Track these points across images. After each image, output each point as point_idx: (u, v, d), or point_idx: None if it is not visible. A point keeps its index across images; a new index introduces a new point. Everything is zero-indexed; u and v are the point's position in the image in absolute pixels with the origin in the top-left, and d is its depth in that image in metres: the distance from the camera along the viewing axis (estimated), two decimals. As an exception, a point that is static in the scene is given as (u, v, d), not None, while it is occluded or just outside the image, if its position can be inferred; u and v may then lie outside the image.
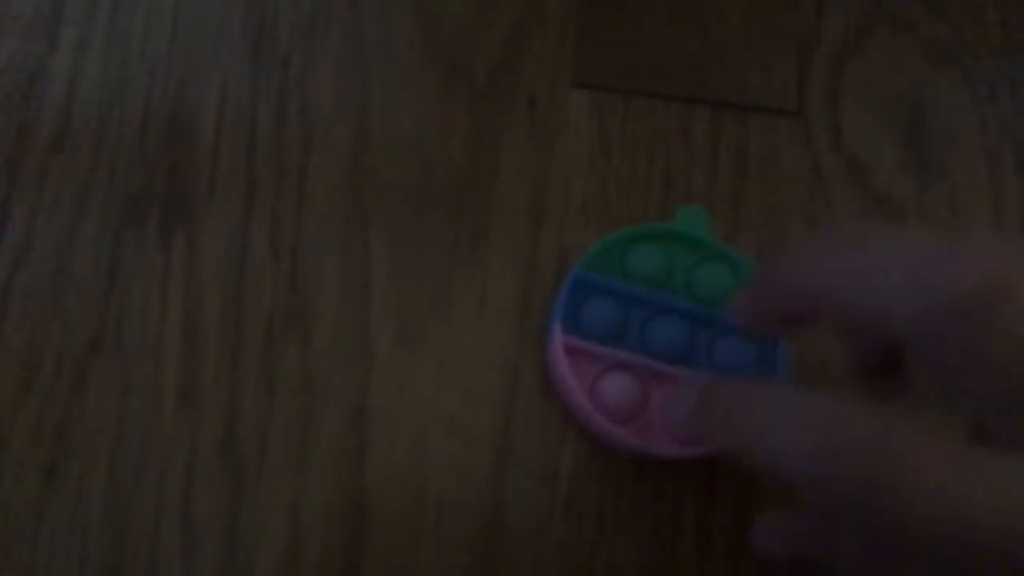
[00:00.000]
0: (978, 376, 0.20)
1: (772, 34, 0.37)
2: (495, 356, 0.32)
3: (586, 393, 0.31)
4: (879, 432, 0.19)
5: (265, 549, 0.29)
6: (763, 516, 0.28)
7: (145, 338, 0.31)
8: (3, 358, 0.31)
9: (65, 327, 0.31)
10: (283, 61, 0.35)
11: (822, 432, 0.20)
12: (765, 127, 0.36)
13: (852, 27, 0.37)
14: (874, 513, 0.19)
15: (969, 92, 0.37)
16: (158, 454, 0.30)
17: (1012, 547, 0.18)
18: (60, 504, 0.29)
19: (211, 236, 0.32)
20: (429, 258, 0.33)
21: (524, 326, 0.32)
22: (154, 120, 0.33)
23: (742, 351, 0.32)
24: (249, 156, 0.33)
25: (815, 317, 0.25)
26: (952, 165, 0.36)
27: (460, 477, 0.31)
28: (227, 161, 0.33)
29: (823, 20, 0.37)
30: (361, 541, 0.30)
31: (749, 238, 0.34)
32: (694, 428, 0.26)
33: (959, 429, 0.21)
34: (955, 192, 0.35)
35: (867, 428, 0.20)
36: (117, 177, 0.33)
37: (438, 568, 0.30)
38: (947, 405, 0.21)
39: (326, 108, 0.34)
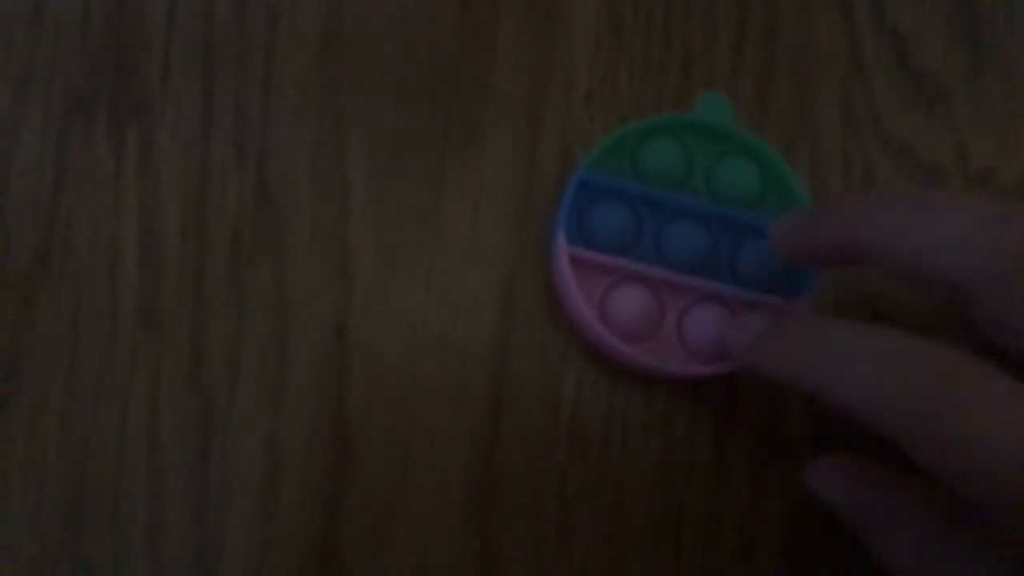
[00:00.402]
0: None
1: None
2: (490, 270, 0.29)
3: (595, 309, 0.27)
4: (952, 367, 0.20)
5: (239, 485, 0.27)
6: (825, 457, 0.25)
7: (96, 251, 0.28)
8: (-57, 277, 0.27)
9: (8, 241, 0.28)
10: (243, -71, 0.30)
11: (898, 367, 0.20)
12: (798, 1, 0.31)
13: None
14: (942, 451, 0.19)
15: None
16: (118, 382, 0.27)
17: None
18: (11, 440, 0.27)
19: (167, 136, 0.28)
20: (414, 159, 0.29)
21: (522, 236, 0.29)
22: (97, 3, 0.29)
23: (768, 259, 0.28)
24: (206, 44, 0.29)
25: (861, 263, 0.24)
26: (1007, 42, 0.31)
27: (452, 404, 0.28)
28: (181, 50, 0.29)
29: None
30: (345, 475, 0.27)
31: (778, 131, 0.30)
32: (757, 360, 0.25)
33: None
34: (1009, 74, 0.31)
35: (941, 363, 0.20)
36: (58, 70, 0.29)
37: (429, 503, 0.27)
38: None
39: (294, -16, 0.30)
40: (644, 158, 0.29)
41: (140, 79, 0.29)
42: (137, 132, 0.28)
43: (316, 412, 0.27)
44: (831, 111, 0.31)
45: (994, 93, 0.31)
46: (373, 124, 0.29)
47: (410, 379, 0.28)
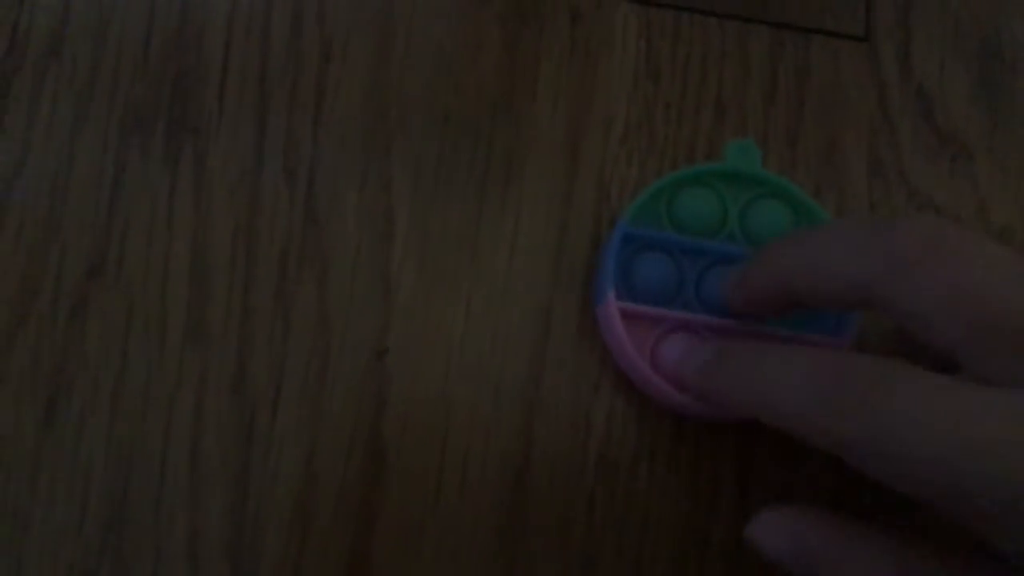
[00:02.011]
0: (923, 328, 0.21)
1: (843, -52, 0.33)
2: (526, 299, 0.30)
3: (647, 360, 0.28)
4: (875, 370, 0.21)
5: (277, 497, 0.28)
6: (768, 511, 0.25)
7: (150, 265, 0.29)
8: (-3, 284, 0.28)
9: (63, 252, 0.29)
10: (300, -38, 0.31)
11: (823, 378, 0.21)
12: (828, 52, 0.33)
13: (932, -57, 0.34)
14: (875, 455, 0.20)
15: (1055, 21, 0.33)
16: (164, 392, 0.28)
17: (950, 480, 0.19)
18: (59, 444, 0.27)
19: (221, 156, 0.29)
20: (456, 189, 0.30)
21: (558, 267, 0.30)
22: (159, 25, 0.30)
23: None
24: (262, 70, 0.30)
25: (799, 305, 0.26)
26: (1027, 101, 0.33)
27: (486, 429, 0.29)
28: (237, 75, 0.30)
29: (901, -66, 0.34)
30: (379, 494, 0.28)
31: (806, 176, 0.32)
32: (704, 388, 0.26)
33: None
34: (1031, 132, 0.32)
35: (863, 368, 0.21)
36: (120, 86, 0.30)
37: (461, 525, 0.28)
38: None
39: (345, 17, 0.31)
40: (680, 208, 0.30)
41: (197, 100, 0.30)
42: (192, 151, 0.29)
43: (354, 431, 0.28)
44: (859, 161, 0.32)
45: (1015, 151, 0.32)
46: (418, 154, 0.30)
47: (446, 402, 0.29)
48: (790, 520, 0.24)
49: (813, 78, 0.32)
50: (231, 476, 0.28)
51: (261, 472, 0.28)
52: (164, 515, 0.27)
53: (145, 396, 0.28)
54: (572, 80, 0.31)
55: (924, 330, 0.21)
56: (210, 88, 0.30)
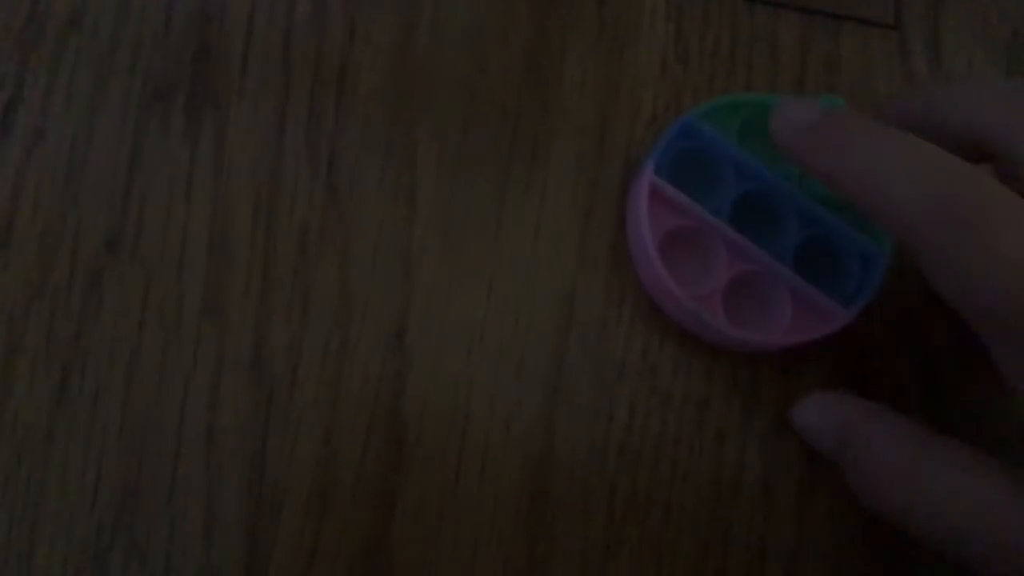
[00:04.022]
0: None
1: (877, -66, 0.33)
2: (550, 283, 0.29)
3: (657, 244, 0.28)
4: (989, 190, 0.21)
5: (295, 479, 0.27)
6: (810, 395, 0.28)
7: (168, 240, 0.28)
8: (13, 256, 0.28)
9: (80, 224, 0.28)
10: (326, -63, 0.31)
11: (939, 182, 0.21)
12: (858, 40, 0.32)
13: (967, -70, 0.33)
14: (959, 259, 0.21)
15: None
16: (180, 369, 0.27)
17: None
18: (73, 419, 0.27)
19: (242, 131, 0.29)
20: (481, 170, 0.30)
21: (583, 251, 0.29)
22: (181, -3, 0.30)
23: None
24: (285, 45, 0.30)
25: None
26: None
27: (507, 414, 0.28)
28: (260, 49, 0.29)
29: (935, -79, 0.33)
30: (398, 477, 0.27)
31: (835, 165, 0.31)
32: (801, 150, 0.25)
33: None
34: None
35: (980, 185, 0.21)
36: (141, 58, 0.29)
37: (480, 511, 0.27)
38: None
39: (372, -7, 0.30)
40: (749, 129, 0.29)
41: (219, 73, 0.29)
42: (213, 124, 0.29)
43: (373, 411, 0.28)
44: (888, 149, 0.31)
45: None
46: (442, 133, 0.30)
47: (467, 386, 0.28)
48: (827, 400, 0.27)
49: (842, 65, 0.32)
50: (248, 455, 0.27)
51: (278, 452, 0.27)
52: (179, 493, 0.27)
53: (161, 372, 0.27)
54: (599, 62, 0.31)
55: None
56: (232, 63, 0.29)
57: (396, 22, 0.30)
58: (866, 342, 0.29)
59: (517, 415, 0.28)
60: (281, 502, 0.27)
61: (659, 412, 0.29)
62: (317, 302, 0.28)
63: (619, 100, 0.31)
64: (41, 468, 0.27)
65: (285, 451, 0.27)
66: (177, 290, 0.28)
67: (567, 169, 0.30)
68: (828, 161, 0.24)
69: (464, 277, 0.29)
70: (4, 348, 0.27)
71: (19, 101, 0.29)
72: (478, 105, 0.30)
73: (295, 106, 0.29)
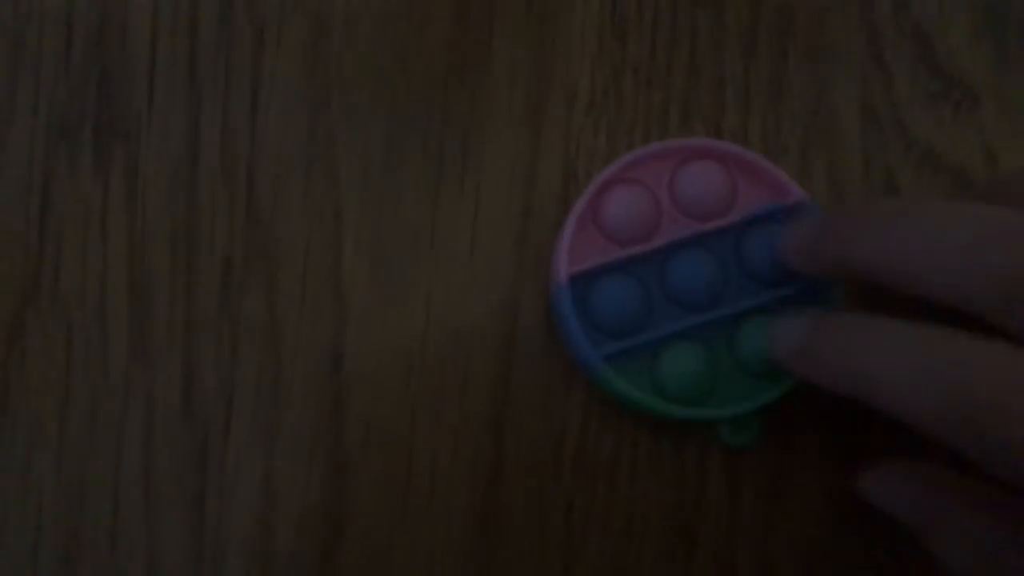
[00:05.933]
0: None
1: None
2: (490, 293, 0.27)
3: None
4: (1002, 377, 0.19)
5: (236, 521, 0.26)
6: (878, 465, 0.25)
7: (86, 284, 0.27)
8: (-68, 312, 0.27)
9: (-4, 276, 0.27)
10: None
11: (949, 376, 0.19)
12: (813, -6, 0.30)
13: None
14: (1000, 458, 0.19)
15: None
16: (111, 418, 0.27)
17: None
18: (7, 477, 0.26)
19: (153, 161, 0.27)
20: (410, 177, 0.28)
21: (523, 256, 0.28)
22: (80, 21, 0.28)
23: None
24: (191, 64, 0.28)
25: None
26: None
27: (454, 433, 0.27)
28: (165, 71, 0.28)
29: None
30: (344, 508, 0.26)
31: (792, 135, 0.29)
32: (804, 370, 0.24)
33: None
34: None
35: (991, 372, 0.19)
36: (42, 96, 0.28)
37: (431, 536, 0.27)
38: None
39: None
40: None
41: (124, 102, 0.28)
42: (123, 157, 0.27)
43: (313, 444, 0.27)
44: (850, 113, 0.29)
45: (1021, 94, 0.29)
46: (365, 141, 0.28)
47: (410, 408, 0.27)
48: (899, 472, 0.25)
49: (797, 24, 0.29)
50: (187, 499, 0.26)
51: (217, 495, 0.26)
52: (121, 544, 0.26)
53: (92, 422, 0.27)
54: (530, 44, 0.29)
55: None
56: (137, 88, 0.28)
57: (306, 25, 0.28)
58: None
59: (464, 434, 0.27)
60: (225, 544, 0.26)
61: (614, 418, 0.27)
62: (246, 335, 0.27)
63: (553, 85, 0.29)
64: (-23, 533, 0.26)
65: (224, 494, 0.26)
66: (101, 335, 0.27)
67: (502, 166, 0.28)
68: (830, 376, 0.23)
69: (399, 294, 0.27)
70: (-67, 409, 0.27)
71: (-75, 147, 0.28)
72: (401, 106, 0.28)
73: (206, 128, 0.28)
